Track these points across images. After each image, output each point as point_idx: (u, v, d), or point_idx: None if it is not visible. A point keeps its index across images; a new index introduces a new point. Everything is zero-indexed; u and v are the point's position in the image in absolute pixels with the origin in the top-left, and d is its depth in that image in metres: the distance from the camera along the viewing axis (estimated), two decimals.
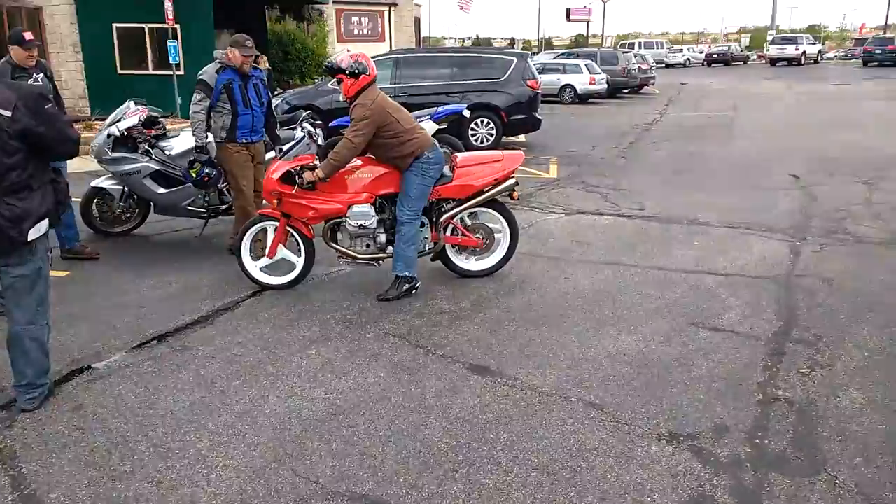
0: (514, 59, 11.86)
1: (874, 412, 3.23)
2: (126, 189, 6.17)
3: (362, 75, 4.59)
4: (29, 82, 5.14)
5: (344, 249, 4.95)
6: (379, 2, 25.83)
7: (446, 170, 4.91)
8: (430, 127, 7.92)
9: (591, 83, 22.50)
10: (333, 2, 23.39)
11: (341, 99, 4.90)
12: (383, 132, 4.63)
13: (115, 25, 15.21)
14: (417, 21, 31.27)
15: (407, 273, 4.80)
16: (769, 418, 3.18)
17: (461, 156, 5.17)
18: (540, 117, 12.12)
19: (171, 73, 14.24)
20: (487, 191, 5.00)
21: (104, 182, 6.21)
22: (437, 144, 4.95)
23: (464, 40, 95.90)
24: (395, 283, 4.84)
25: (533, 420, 3.19)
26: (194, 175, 5.51)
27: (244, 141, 5.51)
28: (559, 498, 2.63)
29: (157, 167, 5.89)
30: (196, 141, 5.44)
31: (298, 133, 5.97)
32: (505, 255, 5.24)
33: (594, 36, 43.72)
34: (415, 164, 4.71)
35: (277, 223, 4.95)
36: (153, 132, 5.98)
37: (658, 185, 8.87)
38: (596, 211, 7.47)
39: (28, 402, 3.34)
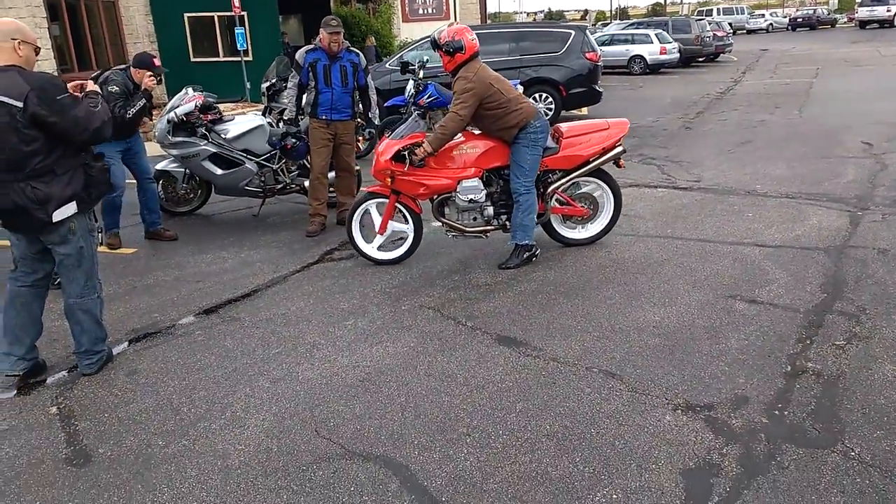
0: (573, 32, 11.66)
1: None
2: (188, 171, 6.53)
3: (458, 53, 4.66)
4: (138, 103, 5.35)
5: (452, 223, 5.04)
6: None
7: (551, 142, 4.93)
8: None
9: (661, 53, 21.83)
10: None
11: (444, 71, 4.93)
12: (487, 104, 4.66)
13: (186, 15, 15.78)
14: None
15: (527, 241, 4.88)
16: (793, 390, 3.11)
17: (565, 126, 5.10)
18: (600, 90, 11.89)
19: (239, 59, 14.74)
20: (594, 160, 5.00)
21: (167, 165, 6.59)
22: (542, 113, 4.92)
23: (535, 14, 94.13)
24: (516, 251, 4.94)
25: (551, 389, 3.24)
26: (284, 144, 6.10)
27: (324, 118, 5.86)
28: (563, 462, 2.69)
29: (215, 150, 6.20)
30: (287, 114, 5.96)
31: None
32: (609, 223, 5.27)
33: (674, 3, 42.11)
34: (521, 135, 4.73)
35: (387, 200, 5.05)
36: (209, 117, 6.28)
37: (720, 156, 8.60)
38: (650, 184, 7.33)
39: (87, 367, 3.66)
